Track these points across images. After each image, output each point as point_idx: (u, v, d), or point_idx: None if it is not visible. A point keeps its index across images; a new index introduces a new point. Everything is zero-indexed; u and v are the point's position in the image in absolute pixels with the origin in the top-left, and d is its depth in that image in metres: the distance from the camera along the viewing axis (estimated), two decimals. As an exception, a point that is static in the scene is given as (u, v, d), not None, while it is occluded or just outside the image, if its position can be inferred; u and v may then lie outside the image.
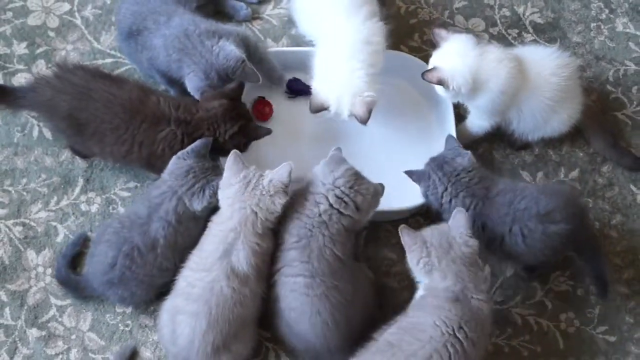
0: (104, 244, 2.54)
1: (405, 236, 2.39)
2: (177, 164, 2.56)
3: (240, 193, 2.43)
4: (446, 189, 2.56)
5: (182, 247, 2.51)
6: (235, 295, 2.36)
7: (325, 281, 2.39)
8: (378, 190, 2.51)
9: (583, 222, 2.63)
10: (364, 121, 2.68)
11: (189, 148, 2.58)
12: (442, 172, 2.58)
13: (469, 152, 2.63)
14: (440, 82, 2.68)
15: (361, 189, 2.46)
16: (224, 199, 2.46)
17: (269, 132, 2.72)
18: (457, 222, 2.41)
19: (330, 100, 2.69)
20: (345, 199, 2.44)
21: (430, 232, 2.41)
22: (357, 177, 2.47)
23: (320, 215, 2.42)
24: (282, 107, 3.03)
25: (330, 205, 2.42)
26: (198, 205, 2.49)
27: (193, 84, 2.75)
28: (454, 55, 2.71)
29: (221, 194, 2.48)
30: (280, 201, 2.42)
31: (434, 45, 2.79)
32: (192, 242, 2.50)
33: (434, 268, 2.33)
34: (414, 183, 2.63)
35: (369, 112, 2.67)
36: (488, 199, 2.56)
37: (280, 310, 2.47)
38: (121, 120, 2.61)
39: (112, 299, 2.65)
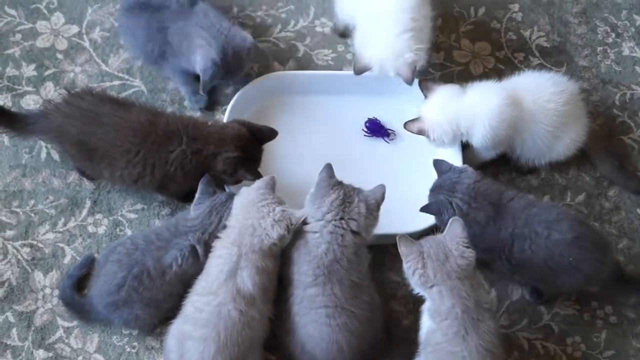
0: (114, 263, 2.54)
1: (403, 246, 2.36)
2: (198, 209, 2.57)
3: (251, 204, 2.45)
4: (470, 205, 2.56)
5: (191, 276, 2.50)
6: (243, 318, 2.35)
7: (346, 309, 2.39)
8: (371, 206, 2.49)
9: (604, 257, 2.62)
10: (409, 81, 2.80)
11: (197, 195, 2.60)
12: (459, 192, 2.58)
13: (466, 165, 2.68)
14: (421, 132, 2.77)
15: (352, 215, 2.45)
16: (235, 207, 2.50)
17: (256, 175, 2.69)
18: (454, 232, 2.38)
19: (373, 61, 2.80)
20: (339, 231, 2.43)
21: (427, 243, 2.38)
22: (344, 205, 2.45)
23: (325, 254, 2.41)
24: (287, 129, 3.00)
25: (328, 242, 2.42)
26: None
27: (207, 55, 2.82)
28: (436, 106, 2.78)
29: (236, 200, 2.52)
30: (279, 231, 2.40)
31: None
32: (200, 272, 2.49)
33: (429, 281, 2.31)
34: (421, 204, 2.64)
35: (413, 72, 2.78)
36: (502, 204, 2.58)
37: (295, 333, 2.46)
38: (131, 143, 2.62)
39: (116, 322, 2.64)
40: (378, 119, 3.06)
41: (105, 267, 2.58)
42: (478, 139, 2.78)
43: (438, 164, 2.69)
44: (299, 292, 2.44)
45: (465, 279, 2.32)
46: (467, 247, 2.34)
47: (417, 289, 2.38)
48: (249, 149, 2.69)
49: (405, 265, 2.36)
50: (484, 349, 2.28)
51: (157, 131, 2.64)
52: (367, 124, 3.06)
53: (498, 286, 2.83)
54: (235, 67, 2.88)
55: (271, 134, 2.75)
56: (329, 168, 2.52)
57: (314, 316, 2.41)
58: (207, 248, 2.50)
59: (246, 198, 2.49)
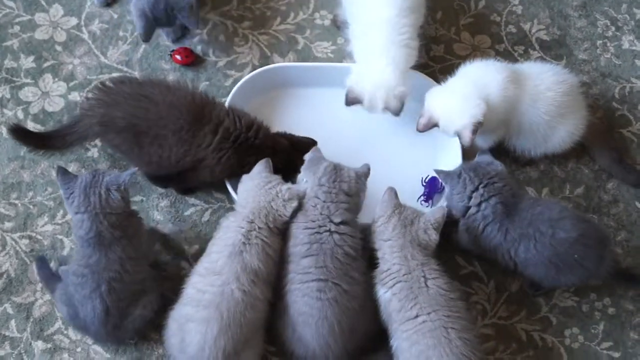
0: (84, 300, 2.51)
1: (387, 195, 2.54)
2: (71, 202, 2.53)
3: (258, 187, 2.51)
4: (477, 188, 2.58)
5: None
6: (247, 298, 2.36)
7: (338, 284, 2.42)
8: (359, 173, 2.58)
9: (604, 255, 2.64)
10: (397, 113, 2.83)
11: (62, 193, 2.56)
12: (474, 172, 2.61)
13: (501, 163, 2.68)
14: (478, 127, 2.72)
15: (343, 178, 2.54)
16: (242, 191, 2.57)
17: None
18: (433, 213, 2.52)
19: (364, 95, 2.80)
20: (333, 191, 2.51)
21: (406, 206, 2.54)
22: (336, 170, 2.55)
23: (321, 213, 2.48)
24: (286, 121, 3.01)
25: (323, 201, 2.50)
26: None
27: (137, 4, 2.93)
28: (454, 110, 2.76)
29: (241, 187, 2.58)
30: (291, 206, 2.50)
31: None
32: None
33: (386, 233, 2.47)
34: (424, 191, 2.79)
35: (402, 104, 2.80)
36: (516, 209, 2.59)
37: (286, 315, 2.48)
38: (184, 121, 2.62)
39: (129, 337, 2.65)
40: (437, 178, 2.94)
41: (79, 309, 2.55)
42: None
43: (481, 154, 2.75)
44: (294, 265, 2.47)
45: (418, 246, 2.45)
46: (435, 230, 2.48)
47: (375, 242, 2.52)
48: (290, 162, 2.74)
49: (376, 210, 2.53)
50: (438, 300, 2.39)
51: (211, 115, 2.66)
52: (426, 187, 2.99)
53: (496, 278, 2.83)
54: (164, 18, 2.95)
55: (309, 145, 2.76)
56: (316, 151, 2.64)
57: (305, 290, 2.43)
58: (118, 218, 2.50)
59: (250, 183, 2.55)
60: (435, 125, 2.77)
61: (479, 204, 2.59)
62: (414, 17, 2.89)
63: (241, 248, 2.40)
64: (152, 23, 2.96)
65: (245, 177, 2.59)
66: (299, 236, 2.49)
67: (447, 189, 2.65)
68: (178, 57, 3.18)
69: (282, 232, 2.53)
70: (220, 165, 2.68)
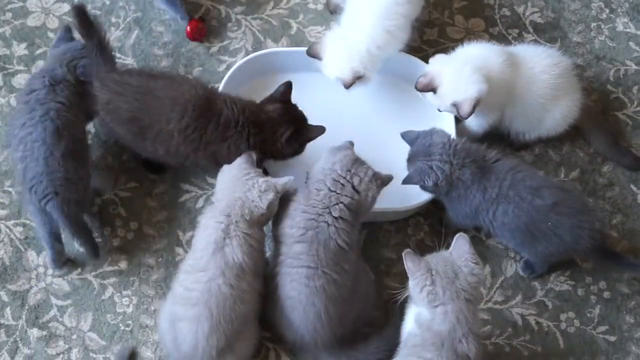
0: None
1: (409, 262, 2.29)
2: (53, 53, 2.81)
3: (235, 179, 2.47)
4: (451, 163, 2.57)
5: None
6: (235, 292, 2.36)
7: (327, 273, 2.41)
8: (378, 175, 2.51)
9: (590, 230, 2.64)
10: (347, 86, 2.82)
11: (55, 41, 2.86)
12: (437, 154, 2.60)
13: (433, 126, 2.70)
14: (477, 104, 2.69)
15: (358, 172, 2.48)
16: (220, 182, 2.52)
17: (322, 131, 2.71)
18: (460, 248, 2.33)
19: (324, 54, 2.84)
20: (342, 180, 2.46)
21: (434, 259, 2.31)
22: (355, 161, 2.49)
23: (322, 201, 2.44)
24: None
25: (329, 189, 2.45)
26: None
27: None
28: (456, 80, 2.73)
29: (219, 177, 2.54)
30: (267, 197, 2.44)
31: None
32: None
33: (438, 299, 2.24)
34: (410, 184, 2.67)
35: (352, 81, 2.80)
36: (487, 164, 2.61)
37: (276, 297, 2.48)
38: (190, 119, 2.59)
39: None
40: None
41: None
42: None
43: (406, 135, 2.71)
44: (285, 248, 2.46)
45: (471, 303, 2.27)
46: (476, 264, 2.30)
47: (422, 306, 2.31)
48: (293, 117, 2.71)
49: (412, 282, 2.29)
50: None
51: (214, 109, 2.62)
52: None
53: (492, 262, 2.84)
54: None
55: (288, 88, 2.75)
56: (351, 143, 2.60)
57: (294, 275, 2.43)
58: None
59: (228, 174, 2.51)
60: (433, 90, 2.75)
61: (459, 176, 2.59)
62: (409, 7, 2.89)
63: (222, 244, 2.39)
64: None
65: (225, 167, 2.55)
66: (296, 218, 2.46)
67: (429, 185, 2.62)
68: (189, 28, 3.20)
69: (261, 223, 2.50)
70: (232, 152, 2.64)
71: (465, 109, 2.67)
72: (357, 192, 2.48)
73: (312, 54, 2.86)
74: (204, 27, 3.22)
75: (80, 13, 2.67)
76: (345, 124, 3.00)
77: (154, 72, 2.78)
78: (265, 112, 2.68)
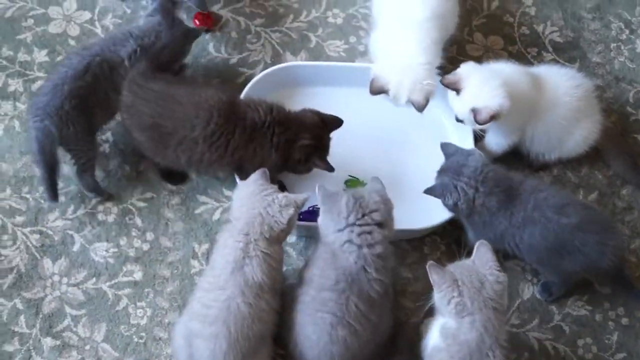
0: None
1: (434, 274, 2.26)
2: (148, 22, 2.86)
3: (253, 195, 2.44)
4: (477, 190, 2.54)
5: None
6: (253, 311, 2.34)
7: (351, 324, 2.35)
8: (380, 192, 2.44)
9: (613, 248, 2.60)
10: (421, 108, 2.74)
11: (150, 10, 2.93)
12: (465, 176, 2.56)
13: (474, 148, 2.68)
14: (494, 118, 2.66)
15: (371, 207, 2.41)
16: (237, 199, 2.49)
17: (330, 169, 2.70)
18: (483, 257, 2.31)
19: (391, 84, 2.74)
20: (367, 228, 2.38)
21: (458, 269, 2.29)
22: (358, 201, 2.39)
23: (355, 262, 2.36)
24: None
25: (359, 246, 2.36)
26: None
27: None
28: (483, 86, 2.70)
29: (235, 194, 2.52)
30: (288, 212, 2.40)
31: (452, 63, 2.80)
32: None
33: (466, 310, 2.22)
34: (434, 200, 2.63)
35: (427, 100, 2.73)
36: (513, 188, 2.57)
37: (295, 332, 2.45)
38: (216, 125, 2.57)
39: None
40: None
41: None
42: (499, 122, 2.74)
43: (445, 147, 2.68)
44: (313, 292, 2.40)
45: (498, 311, 2.25)
46: (500, 271, 2.28)
47: (448, 317, 2.29)
48: (322, 137, 2.68)
49: (438, 295, 2.27)
50: None
51: (239, 113, 2.61)
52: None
53: (509, 284, 2.76)
54: None
55: (338, 122, 2.72)
56: (324, 188, 2.48)
57: (317, 319, 2.38)
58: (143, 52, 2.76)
59: (246, 190, 2.48)
60: (457, 90, 2.72)
61: (483, 203, 2.56)
62: (450, 23, 2.94)
63: (242, 263, 2.36)
64: None
65: (240, 185, 2.52)
66: (327, 271, 2.38)
67: (449, 202, 2.59)
68: (197, 21, 3.22)
69: (281, 240, 2.49)
70: (257, 155, 2.64)
71: (482, 116, 2.65)
72: (384, 226, 2.41)
73: (377, 91, 2.77)
74: (210, 15, 3.25)
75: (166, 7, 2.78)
76: (362, 140, 2.99)
77: (175, 78, 2.78)
78: (297, 115, 2.68)
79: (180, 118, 2.58)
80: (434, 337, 2.36)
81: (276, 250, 2.43)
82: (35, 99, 2.74)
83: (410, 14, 2.80)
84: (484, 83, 2.68)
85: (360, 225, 2.36)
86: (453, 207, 2.59)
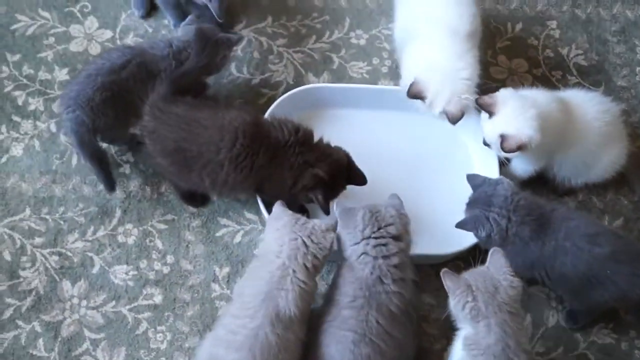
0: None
1: (448, 281, 2.28)
2: (186, 30, 2.88)
3: (291, 224, 2.40)
4: (509, 219, 2.51)
5: None
6: (280, 342, 2.29)
7: (374, 342, 2.32)
8: (397, 207, 2.46)
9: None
10: (455, 121, 2.73)
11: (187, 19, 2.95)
12: (496, 206, 2.52)
13: (501, 177, 2.64)
14: (521, 148, 2.63)
15: (386, 221, 2.41)
16: (272, 231, 2.44)
17: (326, 211, 2.65)
18: (497, 262, 2.32)
19: (430, 92, 2.73)
20: (382, 241, 2.38)
21: (472, 276, 2.30)
22: (374, 215, 2.42)
23: (371, 273, 2.36)
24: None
25: (374, 257, 2.36)
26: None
27: None
28: (522, 117, 2.66)
29: (269, 228, 2.47)
30: (330, 236, 2.40)
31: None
32: None
33: (481, 314, 2.23)
34: (463, 230, 2.60)
35: (462, 113, 2.72)
36: (544, 216, 2.54)
37: (319, 351, 2.40)
38: (242, 146, 2.54)
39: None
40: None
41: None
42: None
43: (472, 178, 2.64)
44: (335, 310, 2.38)
45: (514, 315, 2.25)
46: (514, 277, 2.28)
47: (465, 323, 2.30)
48: (337, 179, 2.63)
49: (453, 300, 2.28)
50: None
51: (263, 132, 2.57)
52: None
53: (534, 311, 2.78)
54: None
55: (361, 179, 2.67)
56: (342, 204, 2.49)
57: (340, 338, 2.35)
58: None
59: (280, 222, 2.44)
60: (490, 112, 2.69)
61: (515, 232, 2.53)
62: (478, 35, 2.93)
63: (276, 294, 2.32)
64: None
65: (271, 218, 2.48)
66: (344, 287, 2.40)
67: (482, 235, 2.55)
68: None
69: (318, 271, 2.44)
70: (277, 173, 2.61)
71: (509, 144, 2.62)
72: (400, 240, 2.41)
73: (414, 94, 2.76)
74: None
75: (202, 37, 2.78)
76: (385, 163, 2.96)
77: (196, 101, 2.73)
78: (326, 146, 2.65)
79: (205, 142, 2.55)
80: (457, 351, 2.34)
81: (312, 283, 2.39)
82: (66, 89, 2.75)
83: (456, 27, 2.82)
84: (519, 111, 2.64)
85: (375, 238, 2.38)
86: (486, 240, 2.54)
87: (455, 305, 2.27)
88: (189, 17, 2.95)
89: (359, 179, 2.66)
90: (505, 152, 2.66)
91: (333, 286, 2.44)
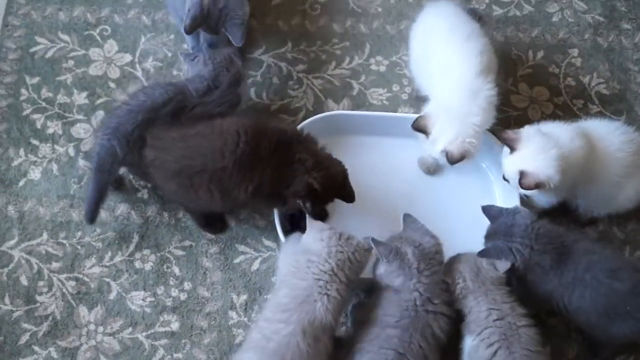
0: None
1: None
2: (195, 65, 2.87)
3: (336, 239, 2.44)
4: (532, 248, 2.51)
5: None
6: (312, 351, 2.29)
7: None
8: (423, 229, 2.54)
9: None
10: (453, 162, 2.70)
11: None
12: (517, 236, 2.52)
13: (517, 205, 2.65)
14: (539, 186, 2.61)
15: (432, 250, 2.48)
16: (316, 241, 2.46)
17: (303, 228, 2.62)
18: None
19: (434, 128, 2.72)
20: (435, 269, 2.46)
21: (457, 262, 2.54)
22: (420, 247, 2.46)
23: (420, 294, 2.41)
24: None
25: (427, 284, 2.43)
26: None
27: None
28: (542, 155, 2.64)
29: (312, 235, 2.48)
30: (369, 256, 2.47)
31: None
32: None
33: (467, 288, 2.45)
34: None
35: (462, 157, 2.69)
36: (566, 247, 2.52)
37: None
38: (245, 144, 2.52)
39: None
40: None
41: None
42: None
43: (488, 210, 2.64)
44: (378, 329, 2.39)
45: (499, 287, 2.46)
46: (497, 261, 2.49)
47: (461, 305, 2.47)
48: (329, 192, 2.63)
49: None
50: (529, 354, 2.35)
51: (265, 132, 2.57)
52: None
53: (553, 343, 2.74)
54: (215, 23, 2.90)
55: (351, 199, 2.68)
56: (376, 241, 2.48)
57: (380, 356, 2.35)
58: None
59: (325, 233, 2.47)
60: (512, 148, 2.68)
61: (538, 261, 2.52)
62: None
63: (316, 298, 2.34)
64: (203, 17, 2.87)
65: (312, 229, 2.49)
66: (388, 309, 2.41)
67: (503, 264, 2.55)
68: None
69: (354, 283, 2.48)
70: (274, 175, 2.59)
71: (527, 181, 2.60)
72: (442, 263, 2.48)
73: (419, 128, 2.75)
74: None
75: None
76: (404, 191, 2.95)
77: (190, 120, 2.70)
78: (325, 153, 2.66)
79: (208, 152, 2.53)
80: (466, 342, 2.47)
81: (348, 294, 2.44)
82: (110, 117, 2.76)
83: (466, 67, 2.78)
84: (541, 150, 2.62)
85: (429, 269, 2.43)
86: (509, 270, 2.53)
87: (452, 288, 2.48)
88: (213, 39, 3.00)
89: (349, 197, 2.67)
90: (523, 189, 2.63)
91: (376, 308, 2.45)
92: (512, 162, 2.67)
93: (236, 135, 2.52)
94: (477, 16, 3.09)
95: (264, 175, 2.56)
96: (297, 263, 2.46)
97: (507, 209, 2.62)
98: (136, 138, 2.65)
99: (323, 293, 2.35)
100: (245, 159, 2.52)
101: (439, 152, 2.73)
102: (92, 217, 2.78)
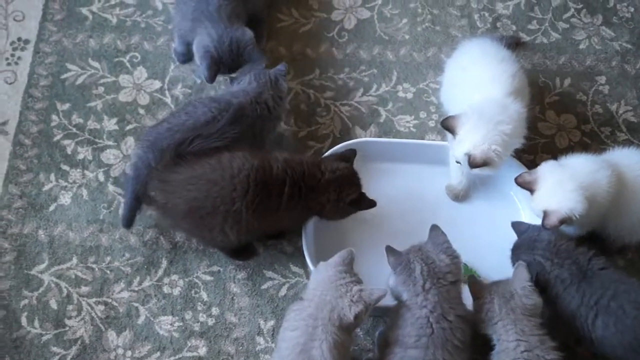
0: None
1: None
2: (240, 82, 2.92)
3: (330, 281, 2.40)
4: (552, 261, 2.52)
5: None
6: None
7: None
8: (446, 250, 2.49)
9: None
10: (474, 166, 2.67)
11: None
12: (539, 249, 2.55)
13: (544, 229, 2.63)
14: (564, 222, 2.61)
15: (443, 269, 2.44)
16: (314, 280, 2.46)
17: (374, 204, 2.72)
18: (519, 276, 2.46)
19: (463, 130, 2.70)
20: (443, 289, 2.42)
21: (494, 284, 2.49)
22: (431, 265, 2.45)
23: (432, 312, 2.38)
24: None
25: (436, 301, 2.40)
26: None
27: (202, 42, 2.93)
28: (555, 189, 2.65)
29: (314, 274, 2.48)
30: (356, 310, 2.35)
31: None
32: None
33: (495, 316, 2.40)
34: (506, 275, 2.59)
35: (484, 163, 2.66)
36: (591, 267, 2.53)
37: None
38: (254, 192, 2.56)
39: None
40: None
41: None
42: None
43: (517, 225, 2.68)
44: (401, 351, 2.39)
45: (530, 318, 2.41)
46: (533, 291, 2.44)
47: (486, 329, 2.44)
48: (359, 181, 2.74)
49: (475, 304, 2.46)
50: None
51: (272, 173, 2.61)
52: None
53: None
54: (230, 56, 2.94)
55: (354, 153, 2.80)
56: (391, 250, 2.50)
57: None
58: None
59: (324, 274, 2.44)
60: (531, 190, 2.69)
61: (557, 275, 2.53)
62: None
63: (310, 345, 2.31)
64: (217, 62, 2.93)
65: (322, 266, 2.47)
66: (406, 328, 2.40)
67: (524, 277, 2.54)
68: None
69: (350, 331, 2.42)
70: (291, 208, 2.65)
71: (550, 220, 2.60)
72: (455, 283, 2.45)
73: (448, 126, 2.74)
74: None
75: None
76: (432, 217, 2.90)
77: (193, 158, 2.68)
78: (331, 170, 2.68)
79: (218, 196, 2.55)
80: None
81: (346, 338, 2.38)
82: (151, 130, 2.80)
83: (498, 87, 2.80)
84: (558, 185, 2.63)
85: (437, 288, 2.41)
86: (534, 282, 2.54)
87: (478, 308, 2.47)
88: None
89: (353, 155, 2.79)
90: (548, 228, 2.63)
91: (394, 327, 2.44)
92: (535, 204, 2.69)
93: (245, 181, 2.55)
94: (513, 41, 3.11)
95: (280, 212, 2.61)
96: (292, 312, 2.46)
97: (534, 225, 2.65)
98: (172, 154, 2.64)
99: (315, 339, 2.32)
100: (258, 202, 2.57)
101: (462, 153, 2.71)
102: (128, 223, 2.83)
